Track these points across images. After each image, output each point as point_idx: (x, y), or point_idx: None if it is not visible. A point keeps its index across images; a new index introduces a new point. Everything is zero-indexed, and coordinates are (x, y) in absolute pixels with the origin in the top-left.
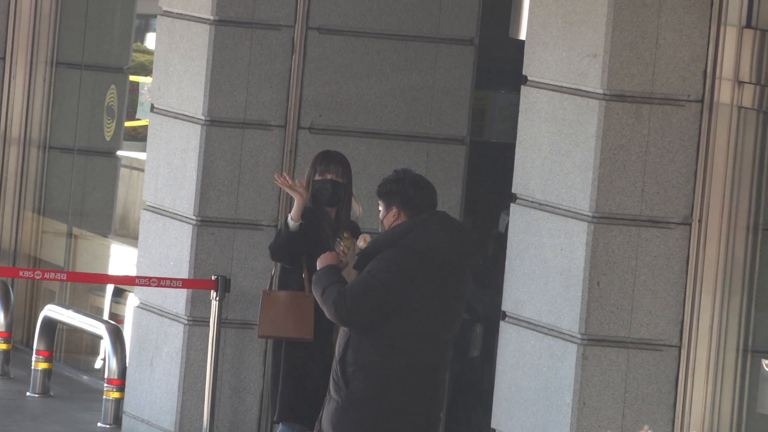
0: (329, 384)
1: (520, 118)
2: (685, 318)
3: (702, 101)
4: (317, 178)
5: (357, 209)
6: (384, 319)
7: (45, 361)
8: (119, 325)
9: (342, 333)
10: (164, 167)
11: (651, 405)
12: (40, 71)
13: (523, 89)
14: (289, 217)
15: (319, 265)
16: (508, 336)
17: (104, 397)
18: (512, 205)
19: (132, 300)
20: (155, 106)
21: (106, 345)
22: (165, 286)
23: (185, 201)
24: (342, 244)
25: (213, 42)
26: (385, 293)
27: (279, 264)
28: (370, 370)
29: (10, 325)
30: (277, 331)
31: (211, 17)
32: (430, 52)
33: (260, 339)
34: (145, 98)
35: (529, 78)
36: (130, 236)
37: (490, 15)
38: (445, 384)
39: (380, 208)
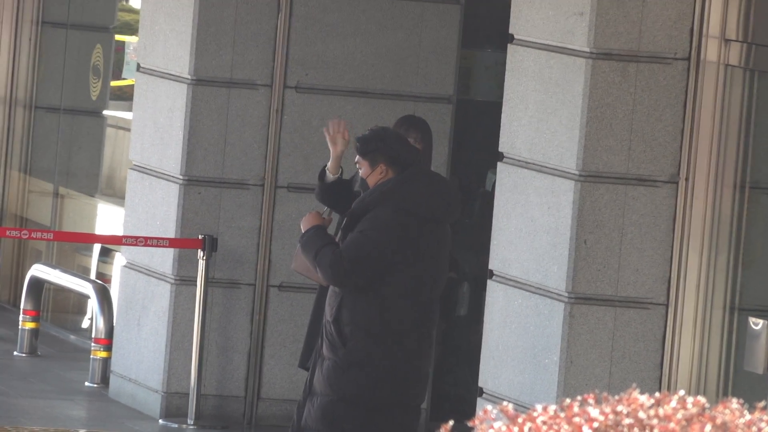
0: (321, 344)
1: (506, 76)
2: (672, 276)
3: (689, 59)
4: None
5: None
6: (379, 278)
7: (32, 321)
8: (106, 285)
9: (333, 293)
10: (150, 127)
11: (638, 363)
12: (26, 31)
13: (510, 48)
14: (326, 168)
15: (303, 226)
16: (495, 295)
17: (91, 356)
18: (499, 164)
19: (119, 259)
20: (141, 65)
21: (93, 304)
22: (152, 246)
23: (172, 160)
24: None
25: (199, 1)
26: (379, 253)
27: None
28: (368, 328)
29: None
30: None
31: None
32: (416, 11)
33: (246, 298)
34: (131, 58)
35: (515, 36)
36: (116, 196)
37: None
38: (433, 339)
39: (361, 167)
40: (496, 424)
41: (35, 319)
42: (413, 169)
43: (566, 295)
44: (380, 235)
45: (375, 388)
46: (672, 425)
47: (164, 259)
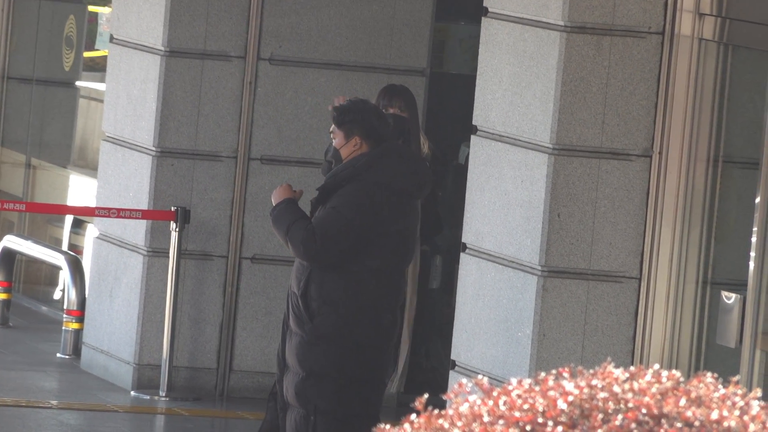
0: (288, 318)
1: (480, 49)
2: (645, 250)
3: (663, 33)
4: None
5: (423, 145)
6: (351, 256)
7: (4, 292)
8: (78, 256)
9: (301, 266)
10: (123, 98)
11: (610, 337)
12: None
13: (484, 21)
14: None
15: (274, 199)
16: (468, 268)
17: (63, 328)
18: (473, 137)
19: (91, 231)
20: (114, 36)
21: (65, 276)
22: (124, 217)
23: (145, 132)
24: None
25: None
26: (352, 230)
27: None
28: (336, 304)
29: None
30: None
31: None
32: None
33: (219, 270)
34: (104, 29)
35: (489, 9)
36: (89, 167)
37: None
38: (398, 314)
39: (335, 137)
40: (471, 398)
41: (7, 290)
42: (386, 144)
43: (539, 268)
44: (352, 213)
45: (343, 364)
46: (647, 399)
47: (137, 230)
